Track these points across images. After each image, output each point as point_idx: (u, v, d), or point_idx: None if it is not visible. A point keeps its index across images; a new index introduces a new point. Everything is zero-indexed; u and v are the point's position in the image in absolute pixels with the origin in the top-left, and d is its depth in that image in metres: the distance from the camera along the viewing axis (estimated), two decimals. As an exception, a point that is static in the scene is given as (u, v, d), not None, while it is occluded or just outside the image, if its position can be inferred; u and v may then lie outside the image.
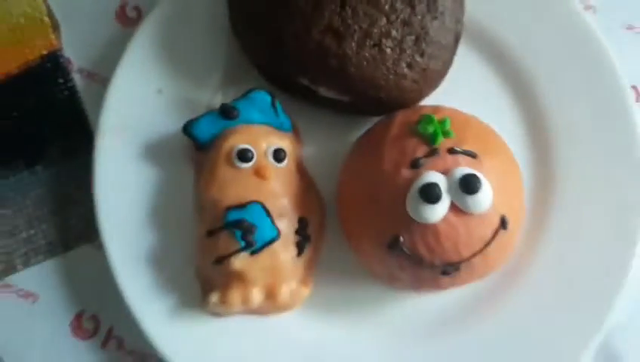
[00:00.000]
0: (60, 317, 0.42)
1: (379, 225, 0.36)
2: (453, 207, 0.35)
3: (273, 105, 0.40)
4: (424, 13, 0.38)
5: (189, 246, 0.40)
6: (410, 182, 0.35)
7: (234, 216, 0.37)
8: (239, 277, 0.37)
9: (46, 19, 0.44)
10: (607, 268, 0.40)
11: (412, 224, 0.35)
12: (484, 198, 0.34)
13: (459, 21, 0.40)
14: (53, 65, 0.44)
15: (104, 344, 0.42)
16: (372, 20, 0.37)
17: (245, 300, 0.38)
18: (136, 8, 0.45)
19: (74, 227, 0.43)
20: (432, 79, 0.39)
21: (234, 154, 0.38)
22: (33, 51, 0.44)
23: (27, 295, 0.42)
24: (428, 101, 0.40)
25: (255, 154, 0.38)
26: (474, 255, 0.35)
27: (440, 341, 0.41)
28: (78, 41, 0.45)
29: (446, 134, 0.36)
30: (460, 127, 0.37)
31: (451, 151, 0.35)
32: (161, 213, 0.41)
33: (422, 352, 0.40)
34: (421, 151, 0.36)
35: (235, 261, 0.37)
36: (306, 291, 0.39)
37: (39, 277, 0.43)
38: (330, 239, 0.41)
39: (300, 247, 0.38)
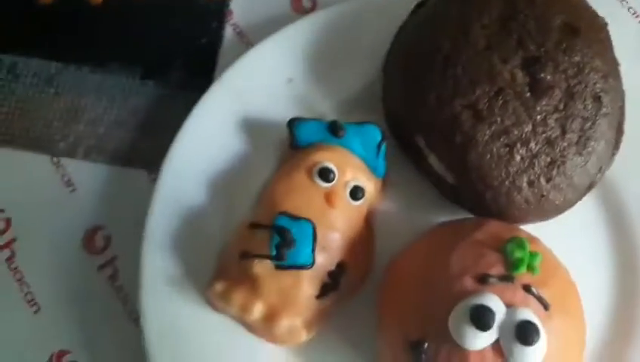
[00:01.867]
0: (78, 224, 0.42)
1: (414, 320, 0.33)
2: (496, 347, 0.30)
3: (379, 145, 0.37)
4: (571, 144, 0.34)
5: (229, 230, 0.38)
6: (467, 294, 0.31)
7: (283, 222, 0.34)
8: (252, 283, 0.34)
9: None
10: None
11: (446, 338, 0.31)
12: (534, 357, 0.30)
13: (601, 171, 0.36)
14: (215, 8, 0.45)
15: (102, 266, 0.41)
16: (517, 121, 0.34)
17: (245, 307, 0.35)
18: (315, 3, 0.45)
19: (144, 150, 0.43)
20: (545, 210, 0.35)
21: (317, 168, 0.36)
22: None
23: (68, 183, 0.42)
24: (529, 228, 0.36)
25: (336, 179, 0.36)
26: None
27: None
28: (247, 3, 0.45)
29: (531, 268, 0.32)
30: (547, 269, 0.33)
31: (527, 288, 0.31)
32: (225, 185, 0.40)
33: None
34: (497, 270, 0.32)
35: (257, 264, 0.34)
36: (304, 335, 0.36)
37: (89, 174, 0.42)
38: (357, 304, 0.38)
39: (324, 291, 0.35)
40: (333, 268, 0.35)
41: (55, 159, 0.43)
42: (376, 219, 0.39)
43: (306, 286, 0.35)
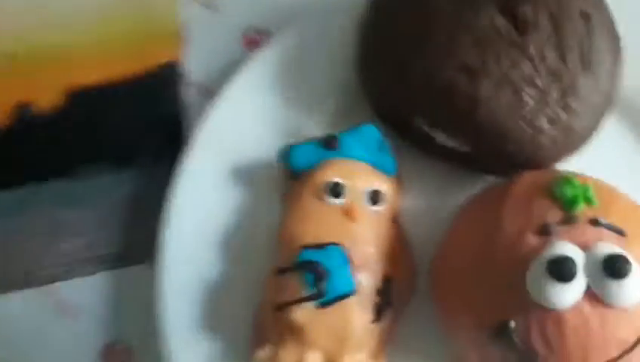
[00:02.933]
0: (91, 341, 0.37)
1: (486, 304, 0.29)
2: (589, 294, 0.26)
3: (380, 142, 0.34)
4: (575, 65, 0.32)
5: (253, 288, 0.34)
6: (537, 251, 0.27)
7: (308, 255, 0.31)
8: (298, 333, 0.30)
9: (177, 32, 0.43)
10: None
11: (531, 307, 0.27)
12: (634, 287, 0.26)
13: (613, 83, 0.33)
14: (168, 75, 0.42)
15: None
16: (514, 63, 0.31)
17: (300, 363, 0.30)
18: (266, 33, 0.43)
19: (136, 243, 0.39)
20: (574, 141, 0.32)
21: (325, 187, 0.32)
22: (155, 58, 0.43)
23: (65, 308, 0.38)
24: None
25: (348, 191, 0.32)
26: (605, 364, 0.27)
27: None
28: (199, 56, 0.43)
29: (588, 201, 0.28)
30: (604, 197, 0.29)
31: (594, 222, 0.28)
32: (232, 245, 0.36)
33: None
34: (555, 216, 0.28)
35: (296, 311, 0.30)
36: (374, 370, 0.31)
37: (82, 291, 0.38)
38: (415, 312, 0.34)
39: (379, 312, 0.31)
40: (379, 285, 0.31)
41: (46, 288, 0.38)
42: (403, 217, 0.35)
43: (358, 314, 0.30)
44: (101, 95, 0.42)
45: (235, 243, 0.36)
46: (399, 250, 0.33)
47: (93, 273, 0.39)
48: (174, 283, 0.35)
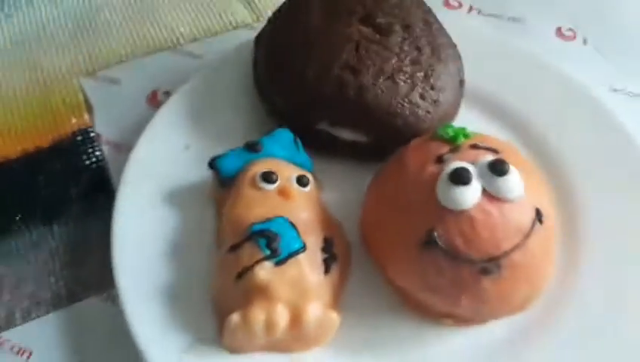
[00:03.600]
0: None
1: (410, 225, 0.35)
2: (486, 194, 0.34)
3: (295, 142, 0.41)
4: (429, 56, 0.42)
5: (204, 285, 0.37)
6: (438, 173, 0.35)
7: (258, 227, 0.36)
8: (263, 292, 0.34)
9: (81, 104, 0.48)
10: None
11: (445, 214, 0.34)
12: (515, 181, 0.34)
13: (460, 70, 0.44)
14: (82, 139, 0.47)
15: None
16: (384, 59, 0.41)
17: (270, 319, 0.34)
18: (168, 93, 0.49)
19: (84, 279, 0.41)
20: (444, 111, 0.42)
21: (258, 177, 0.38)
22: (65, 128, 0.47)
23: (22, 351, 0.37)
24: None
25: (279, 178, 0.38)
26: (513, 248, 0.34)
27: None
28: (108, 119, 0.48)
29: (466, 136, 0.37)
30: (477, 135, 0.38)
31: (474, 146, 0.36)
32: (177, 256, 0.39)
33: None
34: (444, 149, 0.36)
35: (259, 271, 0.34)
36: (334, 317, 0.35)
37: (37, 332, 0.38)
38: (356, 277, 0.39)
39: (327, 266, 0.36)
40: (321, 244, 0.37)
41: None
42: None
43: (310, 267, 0.35)
44: (26, 163, 0.46)
45: (179, 254, 0.39)
46: (332, 218, 0.39)
47: (39, 316, 0.39)
48: (134, 299, 0.37)
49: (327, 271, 0.36)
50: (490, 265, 0.34)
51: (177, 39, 0.55)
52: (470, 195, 0.34)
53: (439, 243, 0.34)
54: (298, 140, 0.41)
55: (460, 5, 0.57)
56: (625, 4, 0.60)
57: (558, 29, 0.56)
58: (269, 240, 0.35)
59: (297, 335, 0.35)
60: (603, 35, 0.56)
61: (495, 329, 0.37)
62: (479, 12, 0.57)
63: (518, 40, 0.53)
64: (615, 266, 0.39)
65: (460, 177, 0.34)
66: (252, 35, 0.47)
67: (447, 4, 0.57)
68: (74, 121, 0.48)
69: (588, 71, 0.50)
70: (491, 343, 0.37)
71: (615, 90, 0.52)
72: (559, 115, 0.47)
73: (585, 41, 0.55)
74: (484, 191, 0.34)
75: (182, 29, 0.55)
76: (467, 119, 0.43)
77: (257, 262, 0.34)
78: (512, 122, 0.46)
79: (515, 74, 0.48)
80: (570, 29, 0.56)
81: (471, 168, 0.34)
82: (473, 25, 0.55)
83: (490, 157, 0.35)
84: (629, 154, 0.44)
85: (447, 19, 0.46)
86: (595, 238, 0.41)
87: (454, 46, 0.45)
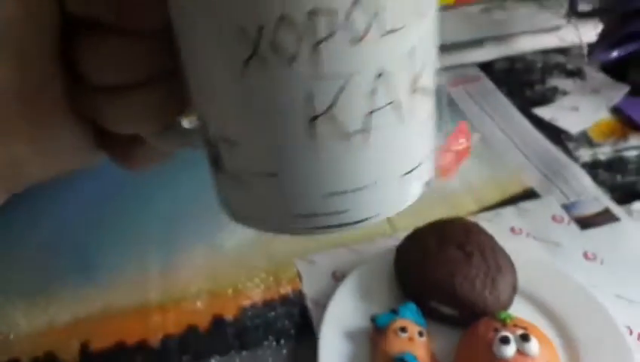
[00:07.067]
0: None
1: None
2: (518, 352, 0.66)
3: (417, 311, 0.75)
4: (493, 269, 0.76)
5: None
6: (494, 338, 0.67)
7: (399, 357, 0.69)
8: None
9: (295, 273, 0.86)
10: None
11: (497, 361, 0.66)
12: (535, 346, 0.66)
13: (514, 278, 0.77)
14: (295, 298, 0.84)
15: None
16: (468, 270, 0.75)
17: None
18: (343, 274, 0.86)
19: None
20: (502, 303, 0.75)
21: (398, 329, 0.72)
22: (286, 288, 0.85)
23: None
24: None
25: (408, 330, 0.72)
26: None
27: None
28: (311, 284, 0.85)
29: (510, 318, 0.69)
30: (517, 319, 0.70)
31: (514, 324, 0.69)
32: None
33: None
34: (498, 325, 0.69)
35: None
36: None
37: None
38: None
39: None
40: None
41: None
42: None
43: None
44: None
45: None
46: (435, 357, 0.72)
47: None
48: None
49: None
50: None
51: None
52: (510, 351, 0.66)
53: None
54: (419, 310, 0.75)
55: (521, 231, 0.92)
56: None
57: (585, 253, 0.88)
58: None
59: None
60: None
61: None
62: (534, 238, 0.91)
63: (555, 259, 0.85)
64: None
65: (505, 340, 0.66)
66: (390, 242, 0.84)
67: (512, 230, 0.92)
68: (289, 285, 0.85)
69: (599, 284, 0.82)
70: None
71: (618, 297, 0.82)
72: (575, 312, 0.78)
73: (602, 262, 0.87)
74: (518, 351, 0.66)
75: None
76: (515, 308, 0.76)
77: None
78: (544, 312, 0.78)
79: (550, 286, 0.81)
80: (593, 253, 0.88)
81: (511, 336, 0.67)
82: (527, 246, 0.89)
83: (521, 331, 0.67)
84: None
85: (509, 244, 0.81)
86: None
87: (512, 264, 0.79)
